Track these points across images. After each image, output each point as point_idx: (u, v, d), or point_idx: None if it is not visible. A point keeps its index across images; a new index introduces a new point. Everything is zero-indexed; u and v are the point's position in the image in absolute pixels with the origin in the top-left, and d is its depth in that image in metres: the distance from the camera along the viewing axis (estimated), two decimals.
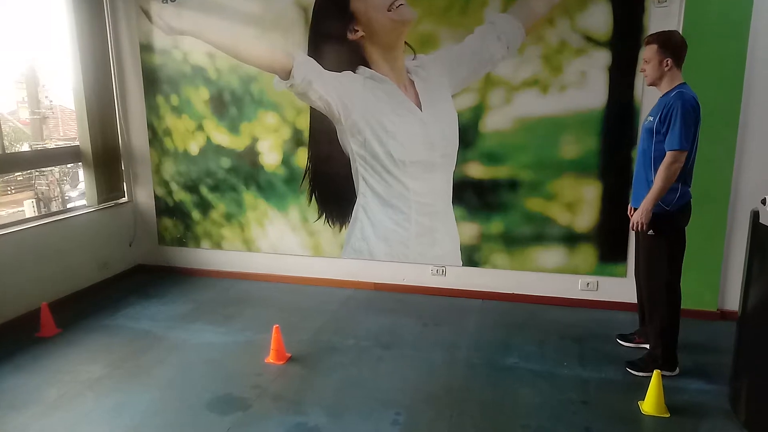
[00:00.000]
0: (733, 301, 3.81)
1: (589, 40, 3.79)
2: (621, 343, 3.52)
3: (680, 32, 3.51)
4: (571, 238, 4.09)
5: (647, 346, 3.28)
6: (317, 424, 2.68)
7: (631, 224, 3.05)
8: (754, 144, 3.69)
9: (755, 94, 3.62)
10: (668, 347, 3.07)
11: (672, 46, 2.89)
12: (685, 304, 3.88)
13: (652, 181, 2.93)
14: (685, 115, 2.80)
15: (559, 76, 3.88)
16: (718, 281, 3.88)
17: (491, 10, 3.91)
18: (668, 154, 2.84)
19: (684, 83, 2.94)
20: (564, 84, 3.88)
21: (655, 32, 3.00)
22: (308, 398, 2.92)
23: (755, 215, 2.61)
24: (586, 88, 3.85)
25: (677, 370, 3.10)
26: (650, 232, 2.98)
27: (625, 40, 3.74)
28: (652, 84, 3.02)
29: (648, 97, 3.78)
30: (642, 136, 3.08)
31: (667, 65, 2.90)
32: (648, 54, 2.95)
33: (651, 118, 2.99)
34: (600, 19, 3.75)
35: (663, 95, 2.97)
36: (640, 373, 3.10)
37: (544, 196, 4.07)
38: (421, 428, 2.66)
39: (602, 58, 3.79)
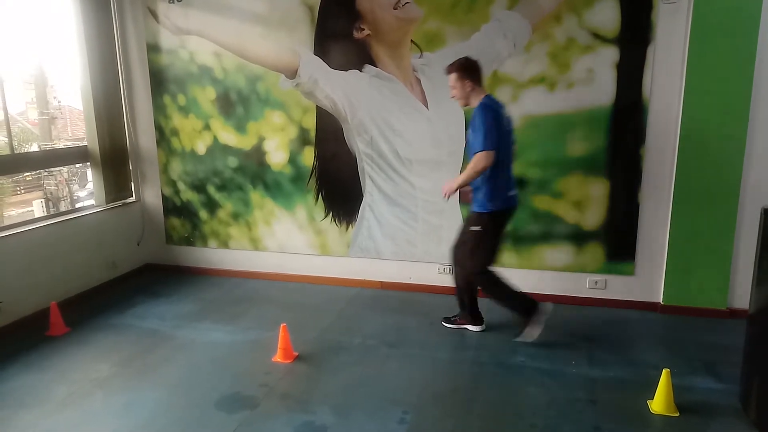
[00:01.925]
0: (742, 300, 3.78)
1: (597, 37, 3.77)
2: (445, 326, 3.81)
3: (689, 32, 3.56)
4: (578, 237, 4.07)
5: (468, 327, 3.73)
6: (324, 422, 2.68)
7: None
8: (763, 140, 3.66)
9: (765, 91, 3.59)
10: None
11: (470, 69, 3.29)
12: (694, 303, 3.90)
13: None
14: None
15: (566, 74, 3.86)
16: (727, 280, 3.85)
17: (497, 8, 3.90)
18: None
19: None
20: (571, 81, 3.86)
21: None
22: (315, 397, 2.92)
23: (766, 213, 2.58)
24: (594, 85, 3.82)
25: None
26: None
27: (633, 37, 3.72)
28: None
29: (656, 94, 3.76)
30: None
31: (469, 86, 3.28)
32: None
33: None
34: (607, 16, 3.72)
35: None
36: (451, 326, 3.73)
37: (552, 194, 4.05)
38: (429, 427, 2.65)
39: (610, 55, 3.77)
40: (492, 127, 3.14)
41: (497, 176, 3.27)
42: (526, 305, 3.44)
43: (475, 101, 3.30)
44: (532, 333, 3.42)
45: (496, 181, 3.28)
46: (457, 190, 3.33)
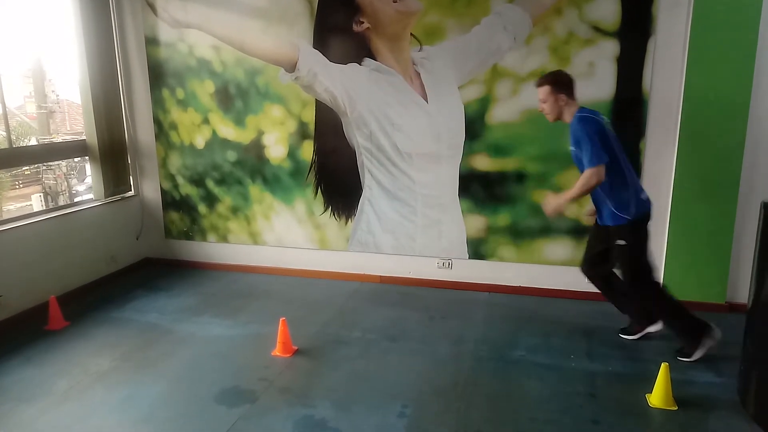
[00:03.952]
0: (741, 294, 3.79)
1: (597, 30, 3.76)
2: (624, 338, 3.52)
3: (690, 26, 3.54)
4: (578, 231, 4.06)
5: (650, 329, 3.41)
6: (324, 416, 2.69)
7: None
8: (764, 135, 3.65)
9: (765, 84, 3.59)
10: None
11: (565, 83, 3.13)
12: (693, 297, 3.90)
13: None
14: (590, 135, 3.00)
15: (566, 67, 3.83)
16: (726, 274, 3.85)
17: (498, 1, 3.88)
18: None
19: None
20: (572, 75, 3.84)
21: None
22: (315, 391, 2.93)
23: (766, 206, 2.58)
24: (594, 78, 3.81)
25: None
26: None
27: (634, 31, 3.71)
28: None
29: (656, 88, 3.75)
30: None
31: (562, 101, 3.12)
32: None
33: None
34: (608, 10, 3.71)
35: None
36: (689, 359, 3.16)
37: (552, 188, 4.04)
38: (428, 421, 2.66)
39: (610, 48, 3.76)
40: (597, 139, 2.96)
41: (620, 184, 3.07)
42: (696, 324, 3.14)
43: (569, 116, 3.12)
44: (696, 354, 3.15)
45: (621, 189, 3.08)
46: (564, 205, 3.14)
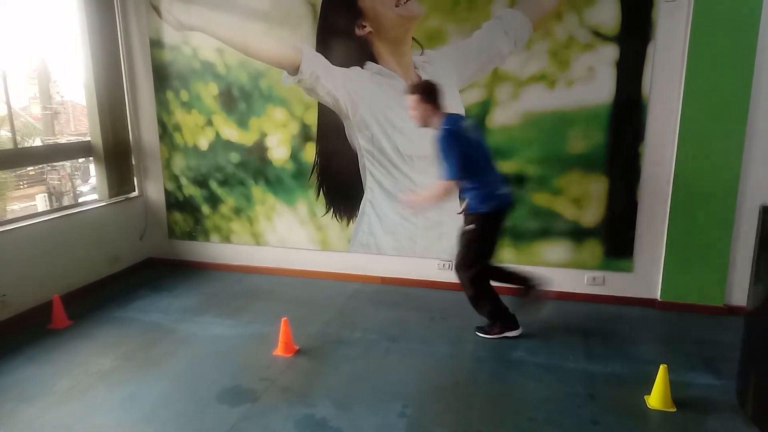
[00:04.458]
0: (740, 297, 3.80)
1: (597, 35, 3.78)
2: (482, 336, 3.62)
3: (689, 30, 3.59)
4: (577, 233, 4.09)
5: (508, 333, 3.56)
6: (325, 416, 2.71)
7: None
8: (762, 138, 3.67)
9: (764, 88, 3.60)
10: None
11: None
12: (692, 299, 3.92)
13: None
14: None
15: (566, 71, 3.87)
16: (725, 277, 3.87)
17: (498, 6, 3.91)
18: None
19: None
20: (571, 79, 3.87)
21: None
22: (316, 390, 2.95)
23: (764, 210, 2.60)
24: (594, 83, 3.84)
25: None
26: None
27: (633, 35, 3.73)
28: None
29: (656, 92, 3.77)
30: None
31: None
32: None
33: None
34: (608, 14, 3.74)
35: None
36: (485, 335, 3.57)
37: (551, 191, 4.07)
38: (428, 421, 2.68)
39: (610, 53, 3.78)
40: (456, 156, 3.19)
41: (480, 182, 3.31)
42: (506, 318, 3.52)
43: (435, 123, 3.31)
44: (492, 336, 3.54)
45: (481, 186, 3.32)
46: (420, 205, 3.46)
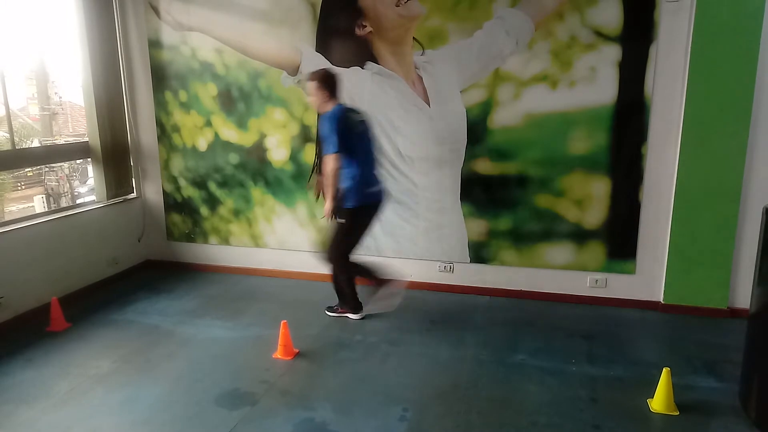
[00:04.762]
0: (743, 299, 3.78)
1: (599, 35, 3.76)
2: (328, 314, 4.00)
3: (691, 31, 3.56)
4: (579, 235, 4.07)
5: (349, 315, 3.94)
6: (325, 419, 2.69)
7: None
8: (766, 139, 3.65)
9: (767, 89, 3.58)
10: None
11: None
12: (695, 302, 3.90)
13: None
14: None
15: (568, 72, 3.85)
16: (728, 279, 3.84)
17: (500, 5, 3.89)
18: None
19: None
20: (573, 79, 3.85)
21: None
22: (316, 394, 2.92)
23: (767, 212, 2.58)
24: (596, 83, 3.82)
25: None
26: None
27: (636, 36, 3.71)
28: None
29: (658, 93, 3.75)
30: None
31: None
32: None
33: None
34: (610, 14, 3.72)
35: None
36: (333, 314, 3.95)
37: (553, 192, 4.05)
38: (429, 424, 2.66)
39: (612, 53, 3.76)
40: (335, 133, 3.43)
41: (353, 176, 3.55)
42: (353, 303, 3.89)
43: (327, 110, 3.57)
44: (335, 314, 3.95)
45: (353, 180, 3.55)
46: (333, 204, 3.57)
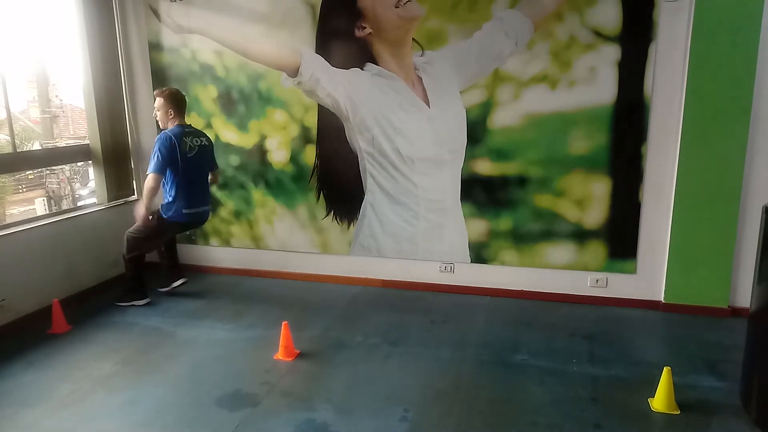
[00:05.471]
0: (744, 298, 3.78)
1: (599, 35, 3.77)
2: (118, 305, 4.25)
3: (691, 30, 3.56)
4: (580, 235, 4.07)
5: (134, 302, 4.22)
6: (326, 420, 2.69)
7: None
8: (765, 139, 3.65)
9: (767, 88, 3.58)
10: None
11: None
12: (695, 301, 3.90)
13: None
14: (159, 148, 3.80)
15: (568, 72, 3.86)
16: (729, 278, 3.84)
17: (499, 6, 3.90)
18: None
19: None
20: (573, 79, 3.86)
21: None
22: (317, 395, 2.93)
23: (767, 211, 2.58)
24: (596, 83, 3.82)
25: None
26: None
27: (635, 36, 3.72)
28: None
29: (658, 93, 3.76)
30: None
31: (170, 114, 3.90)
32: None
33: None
34: (609, 14, 3.72)
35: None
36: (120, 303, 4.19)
37: (553, 192, 4.05)
38: (430, 424, 2.66)
39: (611, 53, 3.77)
40: (162, 155, 3.76)
41: (175, 195, 3.89)
42: (139, 292, 4.19)
43: (167, 127, 3.90)
44: (123, 303, 4.18)
45: (174, 198, 3.90)
46: (146, 213, 3.88)
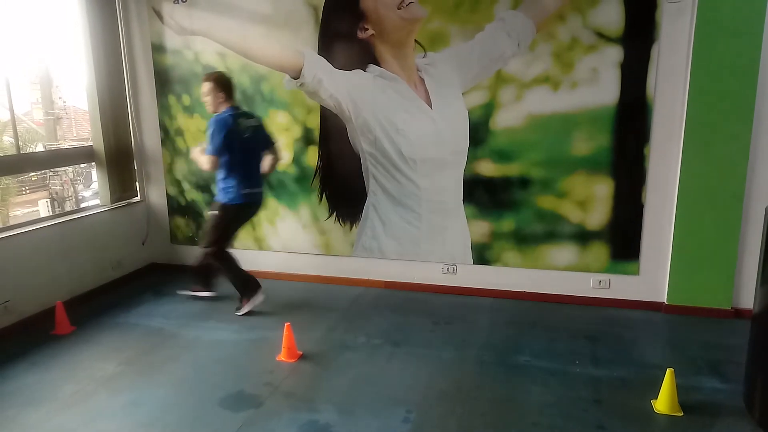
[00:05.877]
0: (747, 300, 3.77)
1: (601, 36, 3.77)
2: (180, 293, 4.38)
3: (693, 31, 3.56)
4: (582, 236, 4.06)
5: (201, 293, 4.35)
6: (329, 421, 2.69)
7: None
8: None
9: None
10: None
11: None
12: (698, 303, 3.89)
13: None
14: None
15: (570, 73, 3.86)
16: (732, 279, 3.84)
17: (501, 7, 3.90)
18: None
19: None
20: (575, 81, 3.86)
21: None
22: (320, 396, 2.93)
23: None
24: (598, 84, 3.82)
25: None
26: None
27: (637, 36, 3.71)
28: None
29: (660, 94, 3.75)
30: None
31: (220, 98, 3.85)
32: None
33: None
34: (611, 15, 3.72)
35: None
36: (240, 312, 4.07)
37: (556, 193, 4.05)
38: (432, 426, 2.66)
39: (614, 54, 3.76)
40: (220, 138, 3.73)
41: (230, 176, 3.85)
42: (247, 285, 4.07)
43: (218, 111, 3.84)
44: (246, 309, 4.04)
45: (229, 180, 3.86)
46: (201, 158, 3.89)
